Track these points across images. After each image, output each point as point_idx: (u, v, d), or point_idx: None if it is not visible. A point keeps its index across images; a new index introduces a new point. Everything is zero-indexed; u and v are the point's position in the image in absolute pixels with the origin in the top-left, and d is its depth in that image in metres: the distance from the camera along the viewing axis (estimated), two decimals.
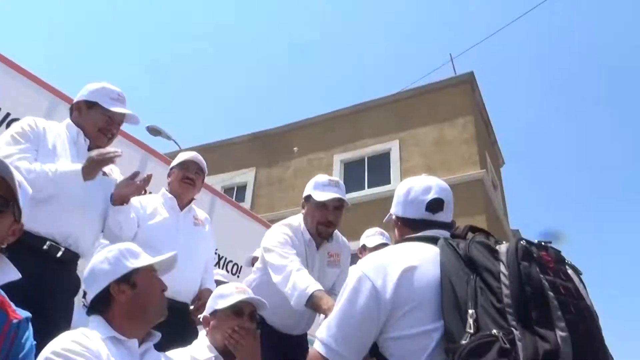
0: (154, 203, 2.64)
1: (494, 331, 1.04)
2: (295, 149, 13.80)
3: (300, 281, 2.13)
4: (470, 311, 1.10)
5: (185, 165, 2.76)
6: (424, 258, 1.27)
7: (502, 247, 1.17)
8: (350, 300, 1.26)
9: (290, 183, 14.60)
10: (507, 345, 1.01)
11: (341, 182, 2.58)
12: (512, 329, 1.04)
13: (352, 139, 14.37)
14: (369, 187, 13.08)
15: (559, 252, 1.22)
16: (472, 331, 1.07)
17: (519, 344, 1.02)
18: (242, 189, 15.12)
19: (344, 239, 2.75)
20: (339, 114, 14.99)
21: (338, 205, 2.47)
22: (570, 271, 1.18)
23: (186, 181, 2.72)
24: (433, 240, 1.34)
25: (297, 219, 2.60)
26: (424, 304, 1.19)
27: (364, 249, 3.32)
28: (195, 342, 1.94)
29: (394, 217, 1.59)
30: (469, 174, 12.02)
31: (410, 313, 1.20)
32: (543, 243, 1.21)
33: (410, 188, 1.55)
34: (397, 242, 1.52)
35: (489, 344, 1.03)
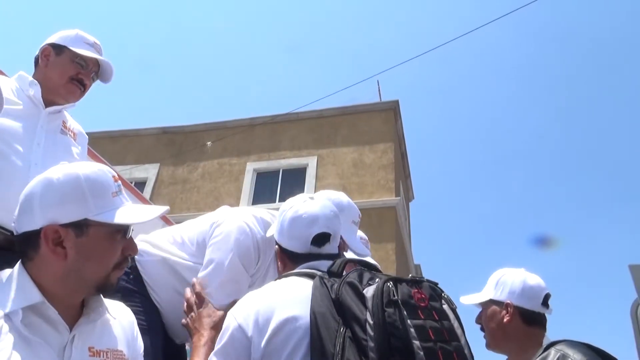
0: (3, 84, 1.73)
1: None
2: (208, 143, 12.97)
3: None
4: None
5: (83, 58, 1.87)
6: (299, 302, 1.19)
7: (370, 291, 1.09)
8: (225, 352, 1.21)
9: (196, 185, 13.71)
10: None
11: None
12: None
13: (269, 149, 13.84)
14: (280, 199, 12.50)
15: (435, 285, 1.17)
16: None
17: None
18: (140, 184, 13.82)
19: None
20: (259, 121, 14.35)
21: None
22: (445, 306, 1.13)
23: (75, 83, 1.85)
24: (312, 277, 1.26)
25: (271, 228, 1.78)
26: (296, 355, 1.12)
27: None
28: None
29: (276, 247, 1.49)
30: (384, 199, 11.89)
31: None
32: (417, 278, 1.16)
33: (295, 219, 1.42)
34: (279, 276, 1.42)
35: None
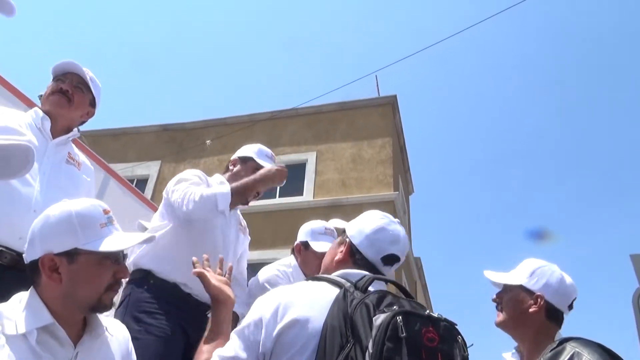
0: (17, 120, 1.88)
1: None
2: (208, 141, 13.08)
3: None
4: None
5: (58, 76, 2.05)
6: (318, 307, 1.22)
7: (379, 319, 1.10)
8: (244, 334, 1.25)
9: None
10: None
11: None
12: None
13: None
14: (280, 195, 12.61)
15: (452, 326, 1.16)
16: None
17: None
18: (142, 182, 13.96)
19: None
20: (258, 117, 14.45)
21: None
22: (456, 351, 1.12)
23: (57, 94, 2.00)
24: (340, 287, 1.27)
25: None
26: (302, 354, 1.16)
27: (305, 248, 2.70)
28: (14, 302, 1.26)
29: (347, 239, 1.49)
30: (382, 194, 11.97)
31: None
32: (435, 316, 1.15)
33: (382, 228, 1.47)
34: (332, 266, 1.47)
35: None
